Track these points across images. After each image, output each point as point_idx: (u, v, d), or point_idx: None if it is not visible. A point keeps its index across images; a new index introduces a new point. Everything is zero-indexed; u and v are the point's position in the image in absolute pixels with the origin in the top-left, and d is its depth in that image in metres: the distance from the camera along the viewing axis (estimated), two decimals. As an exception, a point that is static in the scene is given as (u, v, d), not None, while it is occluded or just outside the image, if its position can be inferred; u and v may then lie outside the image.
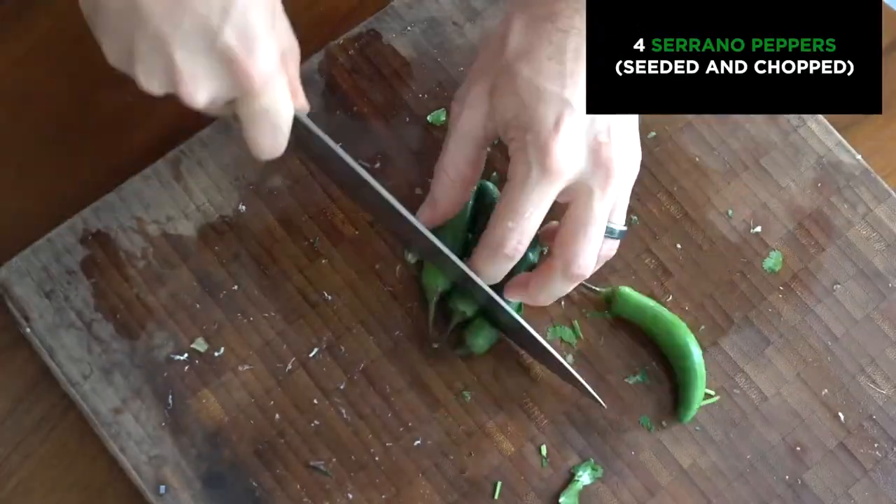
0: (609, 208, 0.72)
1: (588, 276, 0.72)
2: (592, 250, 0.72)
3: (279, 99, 0.68)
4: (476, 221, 0.80)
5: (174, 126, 0.83)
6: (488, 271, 0.74)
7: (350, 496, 0.75)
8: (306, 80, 0.84)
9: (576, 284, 0.73)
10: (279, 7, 0.69)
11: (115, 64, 0.67)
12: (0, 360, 0.79)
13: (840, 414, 0.80)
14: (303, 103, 0.72)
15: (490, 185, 0.82)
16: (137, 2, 0.63)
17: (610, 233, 0.73)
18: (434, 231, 0.77)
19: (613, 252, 0.76)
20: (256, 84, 0.65)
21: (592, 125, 0.70)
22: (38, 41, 0.87)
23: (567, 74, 0.70)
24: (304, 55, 0.86)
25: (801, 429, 0.79)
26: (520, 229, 0.71)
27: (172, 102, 0.85)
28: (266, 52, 0.65)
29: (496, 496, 0.76)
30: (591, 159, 0.70)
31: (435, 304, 0.78)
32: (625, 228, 0.75)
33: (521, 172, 0.70)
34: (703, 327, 0.81)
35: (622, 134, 0.72)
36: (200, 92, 0.66)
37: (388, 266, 0.81)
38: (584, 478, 0.77)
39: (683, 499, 0.77)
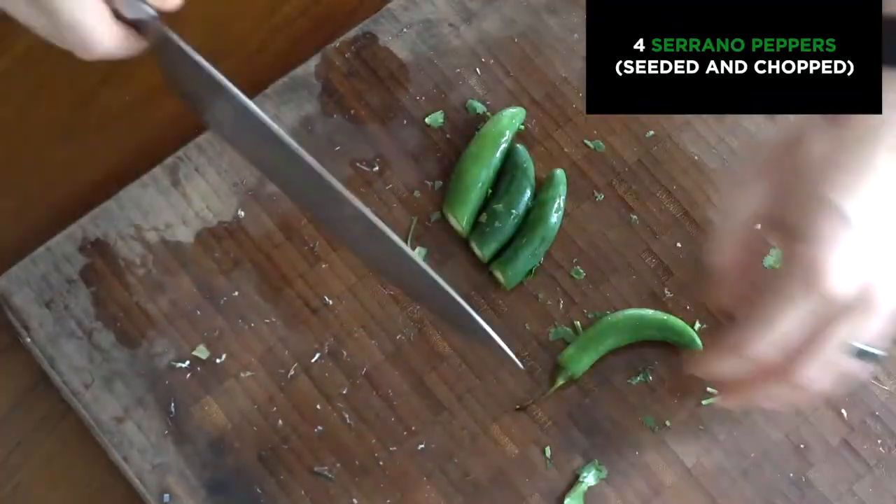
0: (855, 332, 0.65)
1: (817, 391, 0.67)
2: (821, 368, 0.66)
3: None
4: (500, 178, 0.83)
5: (173, 126, 0.83)
6: (723, 367, 0.68)
7: (355, 501, 0.75)
8: (303, 84, 0.85)
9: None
10: None
11: None
12: (0, 361, 0.78)
13: (843, 411, 0.80)
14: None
15: (521, 147, 0.84)
16: None
17: (860, 354, 0.67)
18: (456, 185, 0.81)
19: (864, 375, 0.70)
20: None
21: (870, 249, 0.63)
22: (38, 40, 0.87)
23: (853, 184, 0.64)
24: (301, 59, 0.86)
25: (805, 426, 0.79)
26: (766, 338, 0.65)
27: (170, 101, 0.85)
28: None
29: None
30: (858, 287, 0.63)
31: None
32: (881, 353, 0.68)
33: (785, 283, 0.64)
34: (704, 326, 0.81)
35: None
36: None
37: (389, 270, 0.81)
38: (589, 479, 0.77)
39: (688, 498, 0.77)
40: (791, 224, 0.65)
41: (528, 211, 0.82)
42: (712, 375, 0.70)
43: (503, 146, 0.83)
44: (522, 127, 0.85)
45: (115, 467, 0.76)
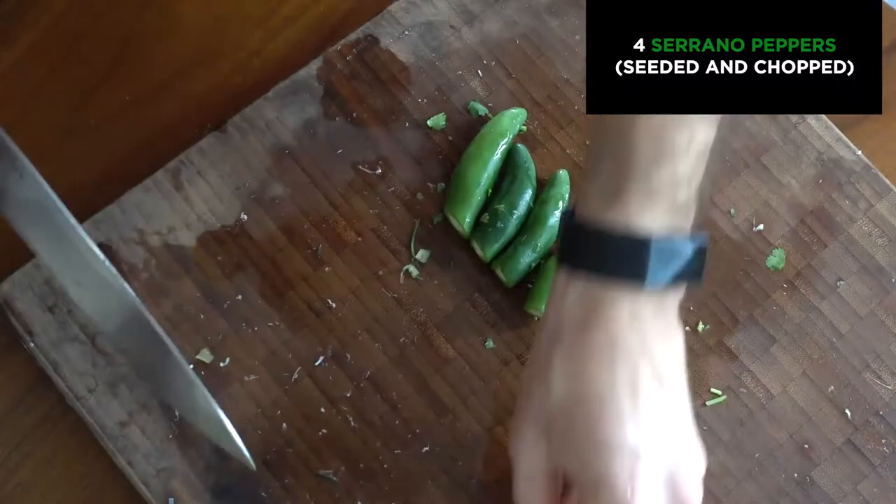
0: None
1: None
2: None
3: None
4: (501, 179, 0.83)
5: (173, 127, 0.84)
6: None
7: (359, 504, 0.76)
8: (305, 87, 0.85)
9: None
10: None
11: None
12: (0, 361, 0.79)
13: (847, 411, 0.80)
14: None
15: (522, 147, 0.84)
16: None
17: None
18: (457, 186, 0.82)
19: None
20: None
21: (665, 463, 0.62)
22: (38, 40, 0.87)
23: (626, 414, 0.61)
24: (300, 60, 0.86)
25: (809, 426, 0.79)
26: None
27: (170, 101, 0.86)
28: None
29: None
30: (669, 500, 0.63)
31: None
32: None
33: None
34: (707, 326, 0.81)
35: (692, 462, 0.65)
36: None
37: (392, 272, 0.81)
38: None
39: (692, 499, 0.77)
40: (578, 478, 0.63)
41: (530, 210, 0.82)
42: None
43: (503, 146, 0.83)
44: (524, 128, 0.85)
45: (115, 467, 0.76)
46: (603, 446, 0.61)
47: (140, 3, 0.89)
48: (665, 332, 0.64)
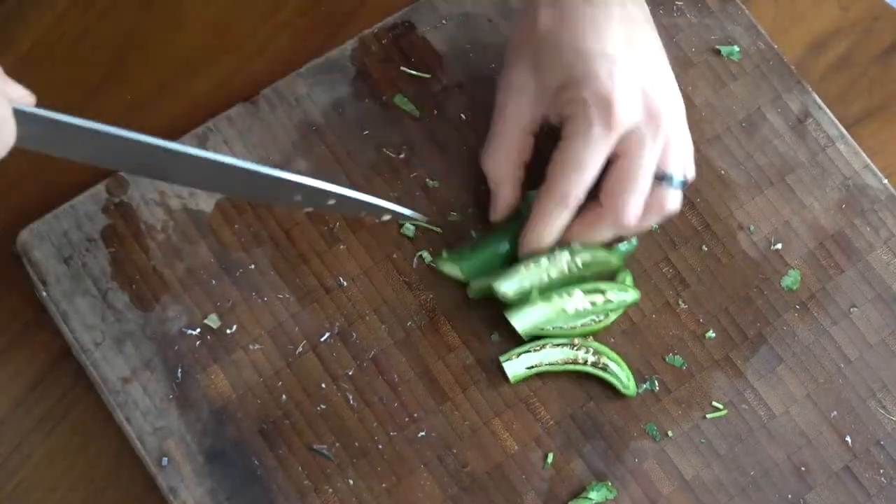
0: (657, 157, 0.75)
1: (634, 224, 0.75)
2: (640, 199, 0.75)
3: None
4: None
5: (174, 126, 0.83)
6: (554, 223, 0.76)
7: (350, 482, 0.76)
8: (338, 66, 0.85)
9: (621, 233, 0.77)
10: None
11: None
12: (0, 361, 0.79)
13: (848, 437, 0.79)
14: (22, 94, 0.65)
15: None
16: None
17: (669, 182, 0.76)
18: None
19: (678, 204, 0.77)
20: None
21: (638, 78, 0.73)
22: (39, 40, 0.87)
23: (605, 34, 0.74)
24: (338, 41, 0.87)
25: (808, 449, 0.79)
26: (583, 181, 0.74)
27: (170, 101, 0.86)
28: None
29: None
30: (643, 111, 0.73)
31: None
32: (687, 178, 0.77)
33: (582, 128, 0.73)
34: (714, 336, 0.81)
35: (664, 84, 0.75)
36: None
37: (406, 256, 0.81)
38: (596, 496, 0.76)
39: (683, 510, 0.77)
40: (564, 85, 0.74)
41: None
42: (553, 229, 0.77)
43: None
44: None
45: (119, 465, 0.77)
46: (585, 53, 0.73)
47: (141, 3, 0.88)
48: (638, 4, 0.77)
